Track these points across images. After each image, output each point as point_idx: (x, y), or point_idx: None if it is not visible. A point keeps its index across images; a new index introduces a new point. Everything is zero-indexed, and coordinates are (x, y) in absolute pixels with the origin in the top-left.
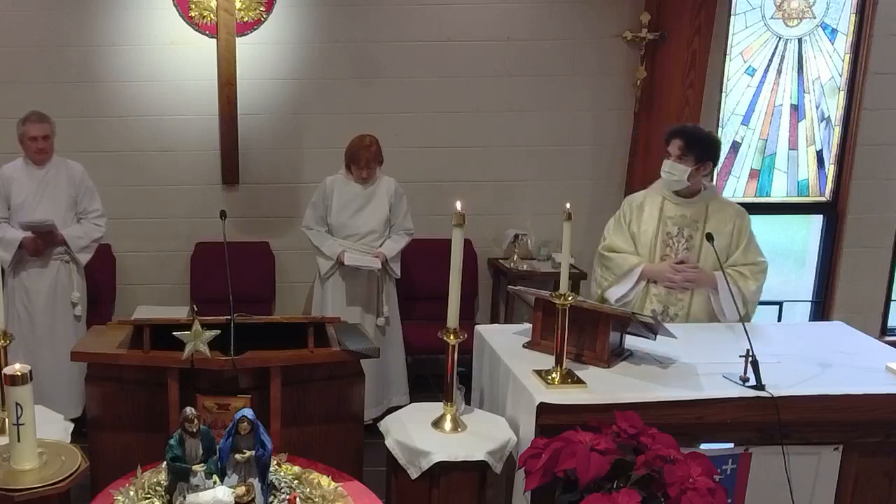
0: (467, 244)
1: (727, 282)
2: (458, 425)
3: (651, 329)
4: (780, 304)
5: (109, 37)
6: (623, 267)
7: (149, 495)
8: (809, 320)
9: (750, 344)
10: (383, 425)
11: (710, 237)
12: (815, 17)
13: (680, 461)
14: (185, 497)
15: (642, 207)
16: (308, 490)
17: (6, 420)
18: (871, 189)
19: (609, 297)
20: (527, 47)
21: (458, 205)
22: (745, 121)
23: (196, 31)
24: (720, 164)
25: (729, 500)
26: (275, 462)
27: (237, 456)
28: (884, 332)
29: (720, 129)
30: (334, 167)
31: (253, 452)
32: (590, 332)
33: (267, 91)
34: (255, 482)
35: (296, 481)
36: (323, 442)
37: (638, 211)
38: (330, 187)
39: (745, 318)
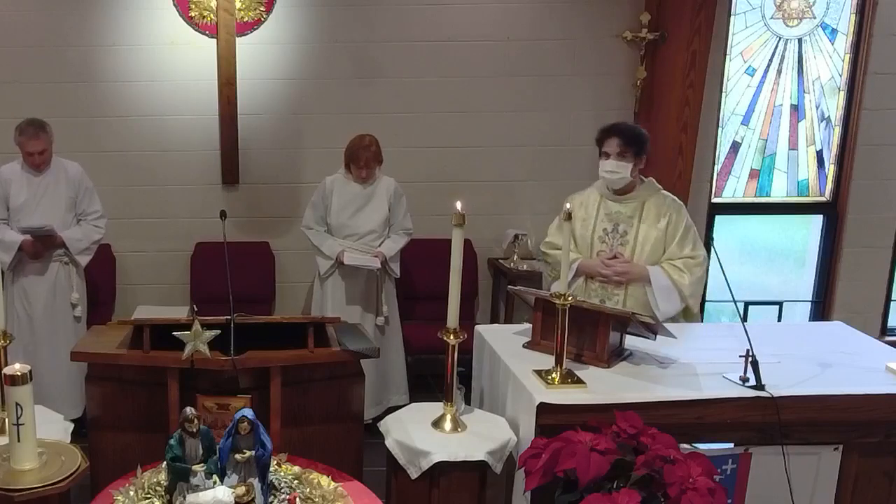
0: (467, 244)
1: (664, 274)
2: (458, 425)
3: (651, 329)
4: (780, 304)
5: (109, 37)
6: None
7: (149, 495)
8: (809, 320)
9: (750, 344)
10: (383, 425)
11: (710, 240)
12: (815, 17)
13: (680, 461)
14: (185, 497)
15: (582, 206)
16: (308, 490)
17: (6, 420)
18: (871, 189)
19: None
20: (527, 47)
21: (458, 205)
22: (745, 121)
23: (196, 31)
24: (720, 164)
25: (729, 500)
26: (275, 462)
27: (237, 456)
28: (884, 332)
29: (720, 129)
30: (334, 167)
31: (253, 452)
32: (590, 332)
33: (267, 91)
34: (255, 482)
35: (296, 481)
36: (323, 442)
37: (578, 209)
38: (329, 187)
39: (688, 313)
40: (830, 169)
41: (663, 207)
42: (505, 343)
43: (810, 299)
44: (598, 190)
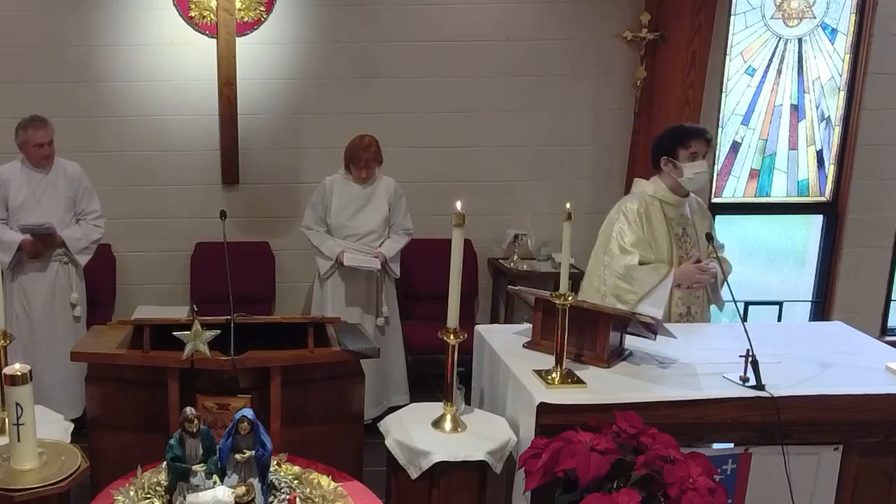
0: (467, 244)
1: (721, 269)
2: (458, 425)
3: (651, 329)
4: (780, 304)
5: (109, 37)
6: (656, 277)
7: (149, 495)
8: (809, 320)
9: (750, 344)
10: (383, 425)
11: (709, 237)
12: (815, 17)
13: (680, 461)
14: (185, 497)
15: (648, 215)
16: (308, 490)
17: (6, 420)
18: (871, 189)
19: (643, 311)
20: (527, 47)
21: (458, 205)
22: (745, 121)
23: (196, 31)
24: (720, 164)
25: (729, 500)
26: (275, 462)
27: (237, 456)
28: (884, 332)
29: (720, 129)
30: (334, 167)
31: (253, 452)
32: (590, 332)
33: (267, 91)
34: (255, 482)
35: (296, 481)
36: (323, 442)
37: (646, 219)
38: (329, 187)
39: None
40: (830, 169)
41: (698, 205)
42: (505, 343)
43: (810, 299)
44: (652, 195)
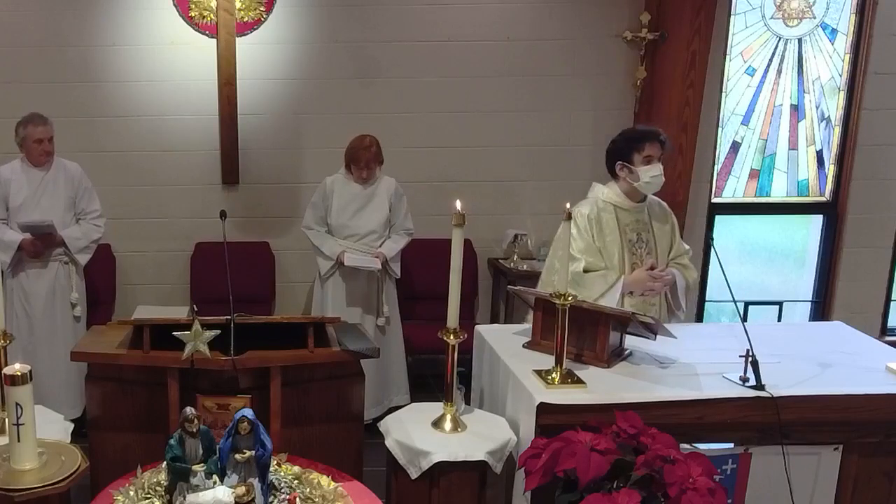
0: (467, 244)
1: (681, 275)
2: (458, 425)
3: (651, 329)
4: (780, 304)
5: (109, 37)
6: (604, 285)
7: (149, 495)
8: (809, 320)
9: (750, 344)
10: (383, 425)
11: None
12: (815, 17)
13: (680, 461)
14: (185, 497)
15: (599, 220)
16: (308, 490)
17: (6, 420)
18: (871, 189)
19: None
20: (527, 47)
21: (458, 205)
22: (745, 121)
23: (196, 31)
24: (720, 164)
25: (729, 500)
26: (275, 462)
27: (237, 456)
28: (884, 332)
29: (720, 129)
30: (334, 167)
31: (253, 452)
32: (590, 332)
33: (267, 91)
34: (255, 482)
35: (296, 481)
36: (323, 442)
37: (597, 225)
38: (330, 187)
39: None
40: (830, 169)
41: (660, 207)
42: (505, 343)
43: (810, 299)
44: (605, 200)
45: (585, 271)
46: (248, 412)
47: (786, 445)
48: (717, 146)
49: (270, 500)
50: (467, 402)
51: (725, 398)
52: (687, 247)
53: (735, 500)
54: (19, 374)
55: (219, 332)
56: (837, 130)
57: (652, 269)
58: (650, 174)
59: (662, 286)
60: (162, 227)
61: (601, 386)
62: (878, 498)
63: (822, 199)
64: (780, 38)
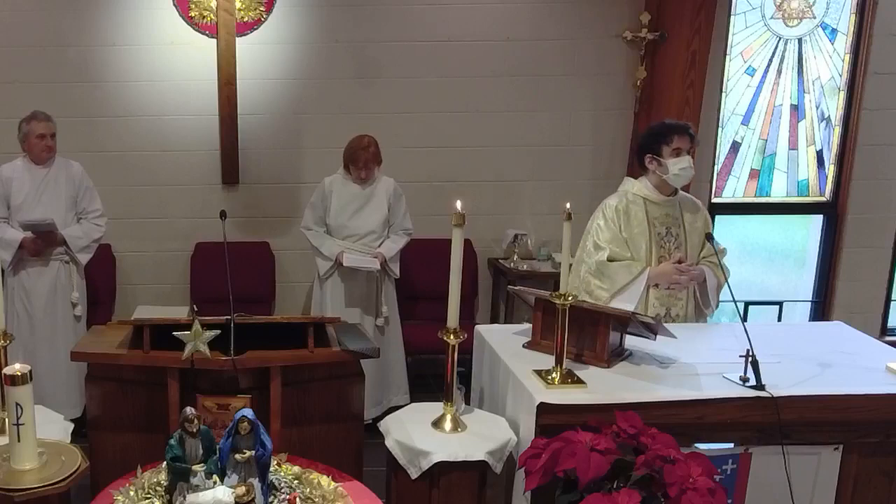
0: (467, 244)
1: (713, 273)
2: (458, 425)
3: (651, 329)
4: (780, 304)
5: (109, 37)
6: (628, 275)
7: (149, 495)
8: (809, 320)
9: (750, 344)
10: (383, 425)
11: (709, 237)
12: (815, 17)
13: (680, 461)
14: (185, 497)
15: (627, 212)
16: (308, 490)
17: (6, 420)
18: (871, 189)
19: (616, 307)
20: (526, 47)
21: (458, 205)
22: (745, 121)
23: (196, 31)
24: (720, 164)
25: (729, 500)
26: (275, 462)
27: (237, 456)
28: (884, 332)
29: (720, 129)
30: (334, 167)
31: (253, 452)
32: (590, 332)
33: (267, 91)
34: (255, 482)
35: (296, 481)
36: (323, 442)
37: (625, 216)
38: (329, 188)
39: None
40: (830, 169)
41: (692, 204)
42: (505, 343)
43: (810, 299)
44: (635, 194)
45: (610, 261)
46: (248, 412)
47: (786, 445)
48: (717, 146)
49: (270, 500)
50: (467, 402)
51: (725, 398)
52: (722, 246)
53: (735, 500)
54: (19, 374)
55: (219, 332)
56: (837, 130)
57: (679, 262)
58: (679, 166)
59: (689, 280)
60: (162, 227)
61: (601, 386)
62: (878, 498)
63: (822, 199)
64: (780, 38)
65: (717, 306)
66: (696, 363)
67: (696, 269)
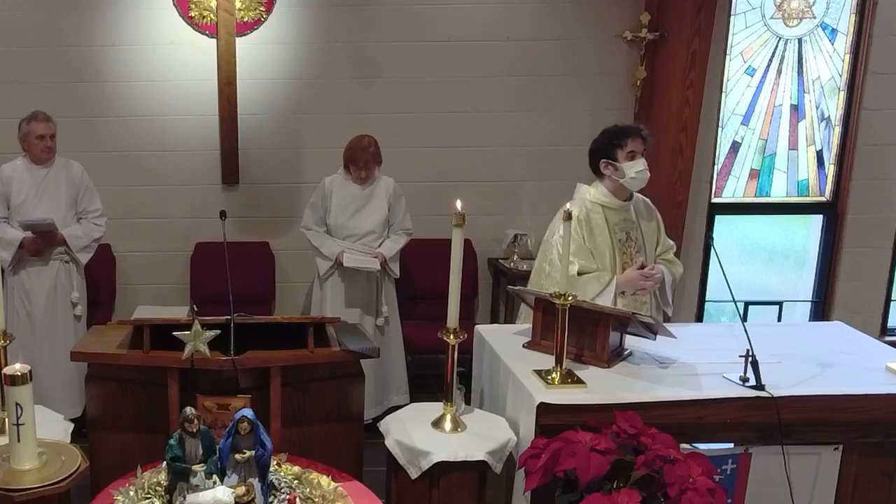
0: (467, 244)
1: (668, 271)
2: (458, 425)
3: (651, 329)
4: (780, 304)
5: (109, 37)
6: (598, 286)
7: (149, 495)
8: (809, 320)
9: (750, 344)
10: (383, 425)
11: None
12: (815, 17)
13: (680, 461)
14: (185, 497)
15: (589, 221)
16: (308, 490)
17: (6, 420)
18: (871, 189)
19: None
20: (526, 47)
21: (458, 205)
22: (745, 121)
23: (196, 31)
24: (720, 164)
25: (729, 500)
26: (275, 462)
27: (237, 456)
28: (884, 332)
29: (720, 129)
30: (334, 167)
31: (253, 452)
32: (590, 332)
33: (267, 91)
34: (255, 482)
35: (296, 481)
36: (323, 442)
37: (587, 226)
38: (329, 188)
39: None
40: (830, 169)
41: (645, 205)
42: (505, 343)
43: (810, 299)
44: (593, 201)
45: (579, 273)
46: (248, 412)
47: (786, 445)
48: (717, 146)
49: (270, 500)
50: (467, 402)
51: (725, 398)
52: (671, 242)
53: (735, 500)
54: (19, 374)
55: (219, 332)
56: (837, 130)
57: (642, 267)
58: (635, 169)
59: (653, 284)
60: (162, 226)
61: (601, 386)
62: (878, 498)
63: (822, 199)
64: (780, 38)
65: (673, 303)
66: (696, 363)
67: (657, 273)
